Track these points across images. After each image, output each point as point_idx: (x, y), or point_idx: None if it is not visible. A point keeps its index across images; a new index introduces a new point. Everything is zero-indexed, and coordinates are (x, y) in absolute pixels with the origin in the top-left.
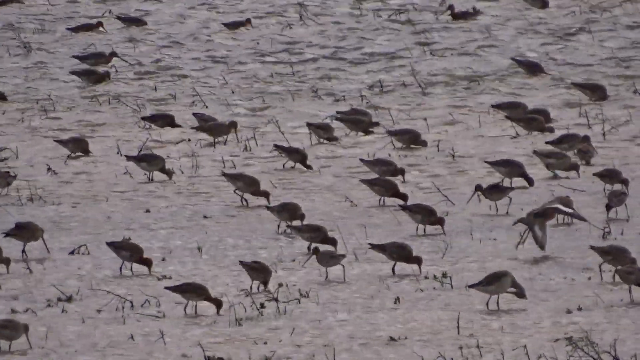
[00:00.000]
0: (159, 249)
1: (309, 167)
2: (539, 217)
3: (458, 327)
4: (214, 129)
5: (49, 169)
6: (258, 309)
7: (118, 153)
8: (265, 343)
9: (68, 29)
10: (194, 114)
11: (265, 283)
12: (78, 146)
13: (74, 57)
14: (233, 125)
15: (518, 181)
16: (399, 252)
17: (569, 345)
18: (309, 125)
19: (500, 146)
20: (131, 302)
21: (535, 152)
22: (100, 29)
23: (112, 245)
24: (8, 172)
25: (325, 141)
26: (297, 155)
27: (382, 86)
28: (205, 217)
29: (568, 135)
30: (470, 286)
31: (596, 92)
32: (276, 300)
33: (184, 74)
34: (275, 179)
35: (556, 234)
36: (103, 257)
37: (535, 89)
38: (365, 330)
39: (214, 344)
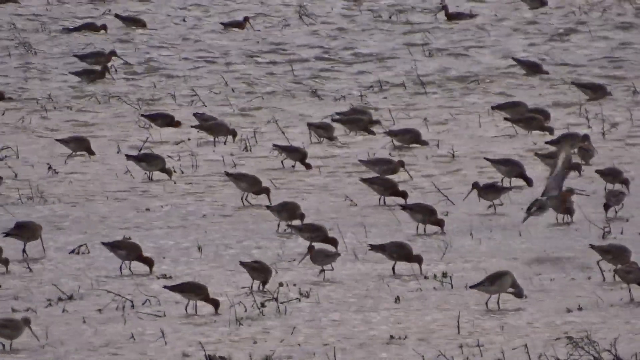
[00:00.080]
0: (159, 248)
1: (308, 166)
2: (554, 200)
3: (458, 326)
4: (215, 128)
5: (49, 168)
6: (258, 309)
7: (118, 152)
8: (265, 342)
9: (70, 29)
10: (195, 114)
11: (264, 283)
12: (79, 145)
13: (74, 55)
14: (233, 133)
15: (515, 181)
16: (399, 252)
17: (569, 344)
18: (309, 125)
19: (500, 146)
20: (131, 302)
21: (536, 154)
22: (102, 31)
23: (108, 245)
24: None
25: (325, 141)
26: (297, 154)
27: (382, 86)
28: (204, 216)
29: (568, 135)
30: (472, 287)
31: (597, 91)
32: (276, 299)
33: (184, 75)
34: (271, 178)
35: (556, 233)
36: (103, 256)
37: (532, 88)
38: (365, 330)
39: (215, 343)
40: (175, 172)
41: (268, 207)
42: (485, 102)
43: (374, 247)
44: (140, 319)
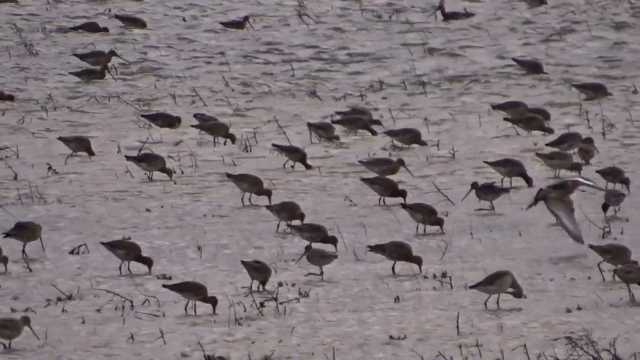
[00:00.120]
0: (158, 248)
1: (308, 166)
2: (557, 190)
3: (458, 326)
4: (214, 128)
5: (48, 168)
6: (257, 309)
7: (118, 152)
8: (265, 342)
9: (72, 27)
10: (195, 115)
11: (264, 283)
12: (81, 145)
13: (74, 55)
14: (232, 138)
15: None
16: (399, 252)
17: (568, 344)
18: (309, 125)
19: (499, 146)
20: (131, 302)
21: (537, 154)
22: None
23: (107, 244)
24: None
25: (325, 141)
26: (297, 154)
27: (381, 85)
28: (204, 216)
29: (568, 135)
30: (472, 287)
31: (598, 91)
32: (275, 299)
33: (183, 75)
34: (270, 178)
35: (556, 233)
36: (102, 256)
37: (531, 88)
38: (364, 330)
39: (213, 343)
40: (175, 172)
41: (267, 207)
42: (484, 102)
43: (373, 248)
44: (139, 319)
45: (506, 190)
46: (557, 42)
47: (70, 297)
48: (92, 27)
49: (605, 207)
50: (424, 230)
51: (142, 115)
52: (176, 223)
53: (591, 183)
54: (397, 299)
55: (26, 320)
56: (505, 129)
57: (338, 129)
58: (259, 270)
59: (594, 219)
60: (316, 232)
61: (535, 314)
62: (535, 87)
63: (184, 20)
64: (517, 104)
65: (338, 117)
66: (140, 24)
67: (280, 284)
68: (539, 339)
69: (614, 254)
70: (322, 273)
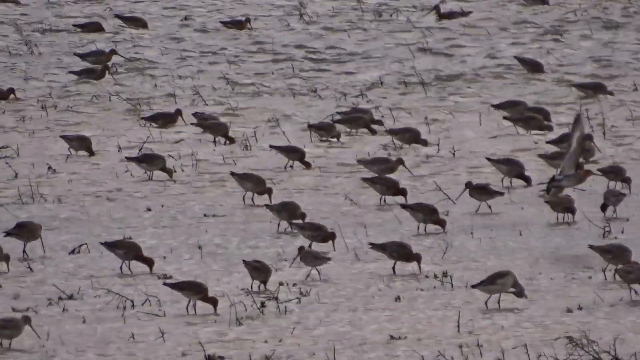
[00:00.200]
0: (159, 248)
1: (308, 165)
2: (569, 178)
3: (458, 326)
4: (214, 127)
5: (49, 167)
6: (258, 308)
7: (119, 151)
8: (265, 342)
9: (75, 25)
10: (194, 114)
11: (264, 283)
12: (82, 144)
13: (75, 54)
14: (231, 140)
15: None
16: (399, 251)
17: (569, 344)
18: (310, 126)
19: (499, 145)
20: (132, 301)
21: (540, 155)
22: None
23: (107, 244)
24: None
25: (325, 140)
26: (296, 154)
27: (382, 84)
28: (205, 215)
29: (569, 134)
30: (473, 286)
31: (597, 90)
32: (276, 299)
33: (184, 74)
34: (270, 177)
35: (556, 232)
36: (103, 256)
37: (531, 87)
38: (366, 329)
39: (214, 343)
40: (175, 171)
41: (267, 207)
42: (481, 101)
43: (374, 246)
44: (139, 319)
45: (500, 193)
46: (557, 41)
47: (71, 297)
48: (94, 27)
49: (604, 207)
50: (425, 229)
51: (142, 118)
52: (176, 222)
53: (600, 174)
54: (397, 299)
55: (27, 320)
56: (504, 128)
57: (338, 129)
58: (259, 270)
59: (595, 219)
60: (317, 231)
61: (535, 313)
62: (536, 86)
63: (185, 19)
64: (517, 103)
65: (338, 117)
66: (142, 23)
67: (280, 284)
68: (540, 338)
69: (615, 254)
70: (317, 272)
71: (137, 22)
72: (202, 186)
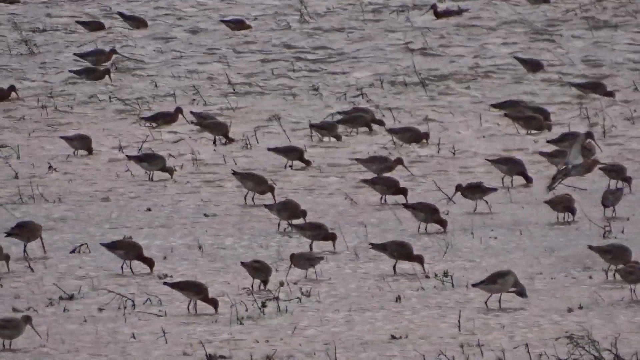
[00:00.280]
0: (159, 248)
1: (308, 162)
2: (577, 168)
3: (459, 325)
4: (214, 126)
5: (49, 167)
6: (259, 308)
7: (120, 151)
8: (266, 341)
9: (77, 22)
10: (193, 113)
11: (265, 282)
12: (83, 143)
13: (75, 55)
14: (230, 140)
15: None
16: (400, 251)
17: (569, 343)
18: (312, 126)
19: (499, 144)
20: (132, 301)
21: (540, 153)
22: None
23: (107, 245)
24: None
25: (326, 140)
26: (295, 153)
27: (382, 84)
28: (205, 215)
29: (569, 134)
30: (474, 285)
31: (597, 89)
32: (277, 299)
33: (184, 73)
34: (270, 177)
35: (556, 232)
36: (104, 255)
37: (530, 86)
38: (366, 329)
39: (215, 343)
40: (175, 170)
41: (266, 206)
42: (478, 100)
43: (375, 246)
44: (140, 319)
45: (493, 189)
46: (556, 40)
47: (71, 297)
48: (96, 25)
49: (603, 206)
50: (425, 229)
51: (142, 118)
52: (176, 222)
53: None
54: (398, 298)
55: (27, 320)
56: (504, 127)
57: (339, 128)
58: (259, 270)
59: (595, 218)
60: (317, 230)
61: (536, 313)
62: (536, 85)
63: (179, 19)
64: (517, 103)
65: (339, 116)
66: (143, 23)
67: (281, 283)
68: (541, 338)
69: (614, 254)
70: (315, 273)
71: (138, 22)
72: (202, 186)
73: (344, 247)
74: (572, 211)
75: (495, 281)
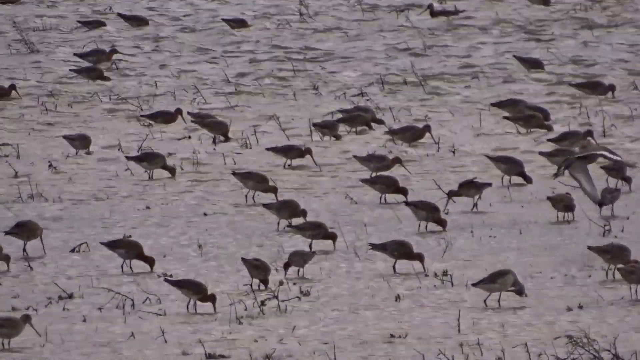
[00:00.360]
0: (159, 247)
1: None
2: (582, 159)
3: (459, 324)
4: (214, 125)
5: (49, 166)
6: (259, 307)
7: (119, 150)
8: (265, 340)
9: (79, 21)
10: (190, 112)
11: (265, 281)
12: (84, 143)
13: (75, 55)
14: (227, 139)
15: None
16: (400, 250)
17: (569, 342)
18: (314, 125)
19: (500, 143)
20: (132, 300)
21: (540, 153)
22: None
23: (108, 244)
24: None
25: (326, 139)
26: (293, 152)
27: (382, 83)
28: (205, 214)
29: (569, 133)
30: (474, 284)
31: (596, 89)
32: (277, 298)
33: (184, 72)
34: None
35: (556, 231)
36: (104, 254)
37: (531, 85)
38: (366, 328)
39: (215, 342)
40: (175, 169)
41: (265, 206)
42: (483, 98)
43: (375, 247)
44: (140, 318)
45: (488, 184)
46: (546, 41)
47: (71, 296)
48: (97, 24)
49: (600, 205)
50: (426, 227)
51: (142, 116)
52: (176, 221)
53: (616, 157)
54: (397, 298)
55: (27, 319)
56: (504, 126)
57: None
58: (259, 269)
59: (595, 217)
60: (317, 230)
61: (535, 312)
62: (536, 85)
63: (183, 17)
64: (517, 102)
65: (339, 115)
66: (144, 22)
67: (281, 282)
68: (540, 337)
69: (614, 253)
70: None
71: (140, 21)
72: (201, 185)
73: (343, 246)
74: (573, 210)
75: (495, 280)
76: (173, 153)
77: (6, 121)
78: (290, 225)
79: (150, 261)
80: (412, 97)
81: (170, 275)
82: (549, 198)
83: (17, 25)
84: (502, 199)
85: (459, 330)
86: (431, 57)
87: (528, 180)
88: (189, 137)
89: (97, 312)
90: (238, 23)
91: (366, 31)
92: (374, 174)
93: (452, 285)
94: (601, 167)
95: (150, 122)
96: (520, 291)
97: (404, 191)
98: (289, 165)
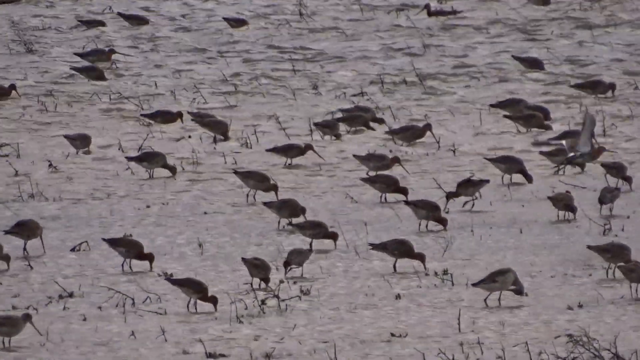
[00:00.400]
0: (160, 246)
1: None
2: (585, 154)
3: (459, 323)
4: (214, 125)
5: (49, 165)
6: (259, 306)
7: (119, 149)
8: (266, 339)
9: (79, 20)
10: (190, 112)
11: (265, 280)
12: (85, 142)
13: (75, 54)
14: (226, 137)
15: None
16: (400, 249)
17: (569, 342)
18: (316, 125)
19: (500, 143)
20: (132, 299)
21: (541, 152)
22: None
23: (109, 241)
24: None
25: (327, 138)
26: (294, 151)
27: (382, 83)
28: (205, 213)
29: (570, 132)
30: (474, 285)
31: (597, 88)
32: (277, 297)
33: (184, 71)
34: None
35: (556, 230)
36: (104, 254)
37: (531, 85)
38: (366, 327)
39: (215, 341)
40: (176, 168)
41: (266, 204)
42: (480, 98)
43: (375, 247)
44: (140, 317)
45: (486, 180)
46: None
47: (71, 295)
48: (97, 23)
49: (600, 204)
50: (426, 227)
51: (142, 115)
52: (177, 220)
53: (615, 151)
54: (398, 297)
55: (27, 318)
56: (505, 126)
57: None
58: (259, 268)
59: (595, 216)
60: (317, 229)
61: (536, 311)
62: (536, 84)
63: (183, 17)
64: (517, 102)
65: (339, 115)
66: (144, 22)
67: (281, 281)
68: (540, 336)
69: (614, 253)
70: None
71: (140, 21)
72: (201, 184)
73: (344, 245)
74: (573, 209)
75: (495, 279)
76: (171, 153)
77: (6, 121)
78: (290, 224)
79: (149, 257)
80: (410, 97)
81: (171, 275)
82: (549, 197)
83: (15, 25)
84: (502, 198)
85: (459, 329)
86: (428, 56)
87: (528, 178)
88: (189, 136)
89: (97, 311)
90: (238, 22)
91: (363, 31)
92: (373, 173)
93: (452, 284)
94: (602, 165)
95: (150, 121)
96: (520, 290)
97: (404, 191)
98: (289, 164)
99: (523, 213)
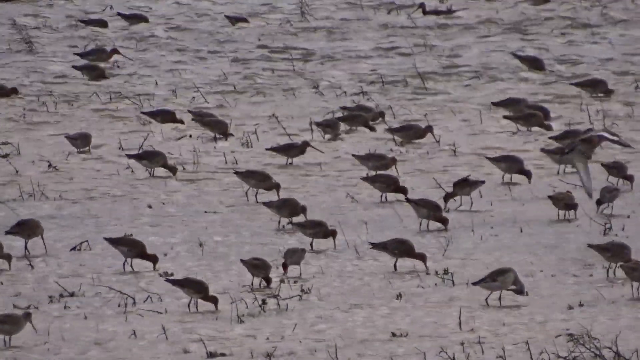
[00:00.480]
0: (160, 245)
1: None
2: (584, 143)
3: (460, 322)
4: (214, 124)
5: (50, 164)
6: (259, 305)
7: (120, 149)
8: (266, 339)
9: (80, 20)
10: (190, 111)
11: (267, 279)
12: (85, 142)
13: (76, 54)
14: (226, 135)
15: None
16: (400, 248)
17: (570, 341)
18: (316, 124)
19: (500, 142)
20: (133, 298)
21: (542, 150)
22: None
23: (111, 240)
24: None
25: (327, 138)
26: (294, 151)
27: (383, 82)
28: (206, 212)
29: (571, 131)
30: (475, 284)
31: (597, 87)
32: (277, 296)
33: (184, 71)
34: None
35: (557, 229)
36: (105, 253)
37: (531, 84)
38: (367, 326)
39: (216, 340)
40: (177, 168)
41: (265, 204)
42: (483, 97)
43: (375, 246)
44: (141, 316)
45: (481, 181)
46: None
47: (72, 294)
48: (99, 23)
49: (599, 204)
50: (427, 226)
51: (142, 112)
52: (177, 219)
53: (616, 138)
54: (398, 296)
55: (27, 316)
56: (505, 125)
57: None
58: (259, 267)
59: (595, 216)
60: (317, 228)
61: (536, 310)
62: (537, 84)
63: (184, 15)
64: (517, 101)
65: (340, 114)
66: (144, 21)
67: (281, 281)
68: (541, 335)
69: (614, 252)
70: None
71: (140, 20)
72: (202, 183)
73: (344, 245)
74: (574, 208)
75: (496, 279)
76: (170, 153)
77: (6, 120)
78: (291, 223)
79: (152, 259)
80: (407, 96)
81: (171, 274)
82: (550, 197)
83: (14, 24)
84: (502, 197)
85: (459, 328)
86: (423, 56)
87: (529, 177)
88: (190, 135)
89: (98, 311)
90: (240, 21)
91: (360, 30)
92: (373, 173)
93: (453, 283)
94: (602, 165)
95: (150, 120)
96: (520, 290)
97: (403, 190)
98: (290, 163)
99: (523, 212)
